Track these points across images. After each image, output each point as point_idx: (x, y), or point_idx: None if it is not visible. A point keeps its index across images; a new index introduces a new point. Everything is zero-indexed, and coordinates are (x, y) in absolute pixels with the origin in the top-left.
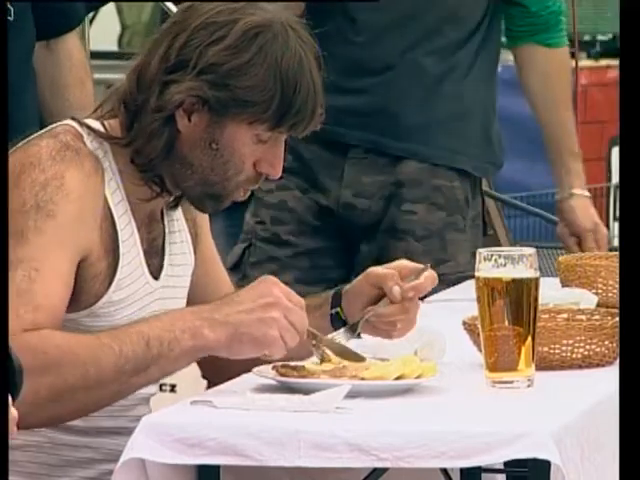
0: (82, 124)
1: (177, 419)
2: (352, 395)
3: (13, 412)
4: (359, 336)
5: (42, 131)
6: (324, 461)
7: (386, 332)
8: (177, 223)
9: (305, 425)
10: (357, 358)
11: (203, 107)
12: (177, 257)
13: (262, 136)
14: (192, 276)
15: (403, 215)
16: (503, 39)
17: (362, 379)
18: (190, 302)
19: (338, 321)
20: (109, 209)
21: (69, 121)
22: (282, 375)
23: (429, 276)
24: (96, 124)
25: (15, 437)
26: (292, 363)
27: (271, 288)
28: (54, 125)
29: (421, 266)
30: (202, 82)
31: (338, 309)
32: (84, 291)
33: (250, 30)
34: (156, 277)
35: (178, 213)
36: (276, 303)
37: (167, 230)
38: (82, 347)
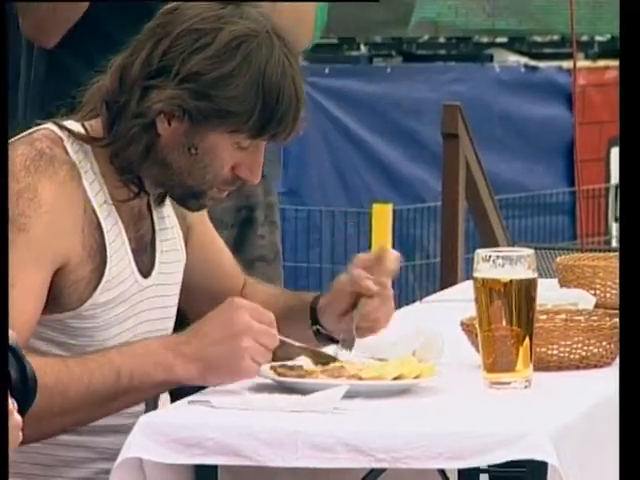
0: (62, 127)
1: (175, 419)
2: (350, 395)
3: (17, 419)
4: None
5: (22, 134)
6: (322, 461)
7: (370, 329)
8: (168, 220)
9: (303, 425)
10: (330, 359)
11: (184, 115)
12: (168, 254)
13: (242, 143)
14: (186, 270)
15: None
16: None
17: (360, 379)
18: (192, 292)
19: (322, 336)
20: (93, 212)
21: (49, 125)
22: (280, 375)
23: (390, 258)
24: (76, 126)
25: (18, 443)
26: (290, 363)
27: (237, 315)
28: (34, 129)
29: (377, 251)
30: (184, 91)
31: (318, 327)
32: (65, 295)
33: (234, 39)
34: (146, 275)
35: (169, 209)
36: (245, 330)
37: (157, 227)
38: (51, 375)
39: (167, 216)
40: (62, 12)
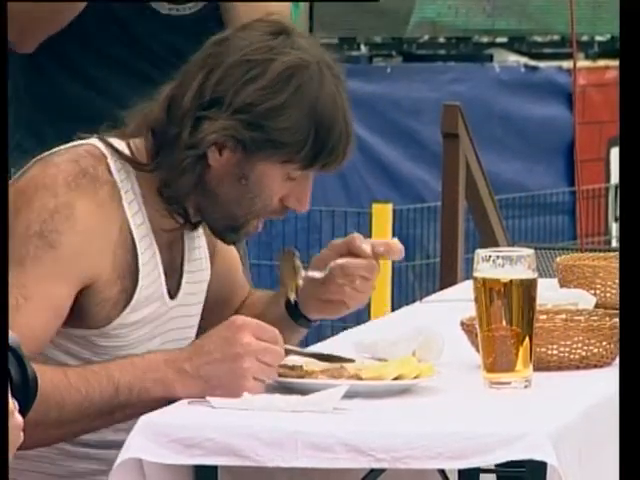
0: (107, 144)
1: (174, 419)
2: (350, 395)
3: (18, 419)
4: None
5: (67, 146)
6: (322, 461)
7: (339, 289)
8: (197, 240)
9: (303, 425)
10: (340, 361)
11: (236, 145)
12: (195, 274)
13: (292, 174)
14: (210, 282)
15: None
16: None
17: (360, 379)
18: (207, 302)
19: (290, 304)
20: (130, 232)
21: (95, 140)
22: (280, 375)
23: (396, 241)
24: (121, 145)
25: (19, 444)
26: (290, 363)
27: (239, 335)
28: (79, 143)
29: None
30: (237, 121)
31: (293, 298)
32: (92, 314)
33: (286, 70)
34: (172, 296)
35: (199, 229)
36: (246, 352)
37: (187, 248)
38: (49, 386)
39: (197, 236)
40: (42, 21)
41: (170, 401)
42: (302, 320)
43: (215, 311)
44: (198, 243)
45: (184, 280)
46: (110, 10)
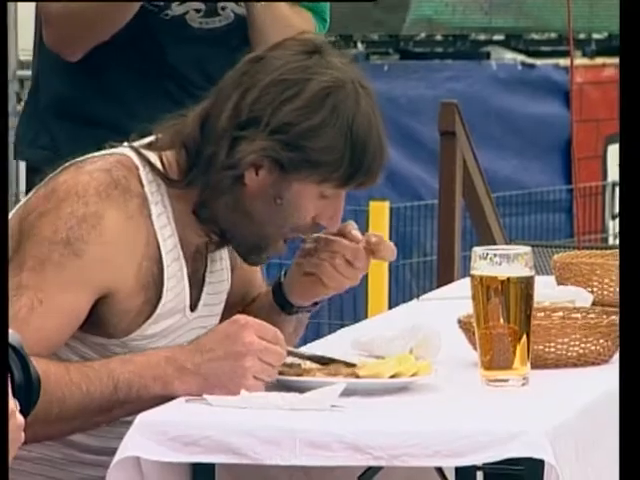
0: (140, 155)
1: (172, 417)
2: (347, 393)
3: (20, 419)
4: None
5: (99, 153)
6: (319, 459)
7: (319, 263)
8: (219, 252)
9: (300, 423)
10: (342, 363)
11: (274, 165)
12: (215, 285)
13: (326, 192)
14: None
15: None
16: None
17: (357, 377)
18: (227, 305)
19: (279, 293)
20: (157, 245)
21: (127, 150)
22: (278, 373)
23: (390, 244)
24: (154, 157)
25: (20, 443)
26: (288, 361)
27: (241, 333)
28: (111, 151)
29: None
30: (275, 142)
31: (281, 275)
32: (112, 324)
33: (323, 90)
34: (193, 308)
35: None
36: (248, 351)
37: (209, 259)
38: (51, 383)
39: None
40: (100, 29)
41: (169, 398)
42: (287, 306)
43: (232, 313)
44: (220, 255)
45: (205, 291)
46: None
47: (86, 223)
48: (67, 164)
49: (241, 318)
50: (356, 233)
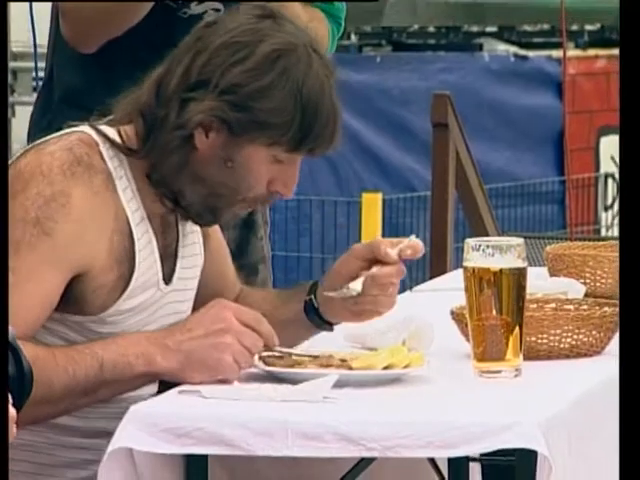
0: (99, 132)
1: (165, 409)
2: (340, 385)
3: (12, 412)
4: (358, 294)
5: (58, 134)
6: (312, 451)
7: (375, 300)
8: (189, 225)
9: (293, 415)
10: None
11: (222, 126)
12: (189, 259)
13: (279, 156)
14: (200, 274)
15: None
16: None
17: (350, 369)
18: (196, 299)
19: (312, 309)
20: (126, 219)
21: (86, 128)
22: (270, 365)
23: (419, 242)
24: (112, 132)
25: (13, 437)
26: (279, 353)
27: (222, 312)
28: (70, 130)
29: (401, 239)
30: (223, 102)
31: (312, 296)
32: (88, 301)
33: (273, 52)
34: (167, 281)
35: None
36: (228, 328)
37: (181, 233)
38: (37, 367)
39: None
40: (114, 24)
41: (152, 378)
42: (324, 325)
43: (198, 307)
44: (191, 228)
45: (178, 265)
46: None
47: (55, 202)
48: (28, 147)
49: (222, 300)
50: (391, 253)
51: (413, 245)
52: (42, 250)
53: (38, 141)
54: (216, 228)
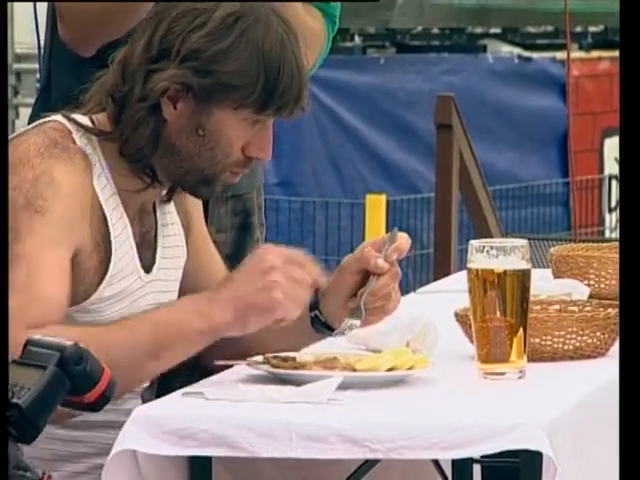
0: (70, 120)
1: (169, 411)
2: (344, 387)
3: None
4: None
5: (30, 126)
6: (316, 452)
7: (382, 309)
8: (169, 216)
9: (297, 416)
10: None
11: (188, 94)
12: (169, 250)
13: (249, 120)
14: (184, 268)
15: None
16: None
17: (354, 370)
18: (181, 294)
19: (319, 323)
20: (100, 205)
21: (58, 117)
22: (274, 367)
23: (402, 236)
24: (84, 119)
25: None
26: (283, 354)
27: (265, 255)
28: (42, 121)
29: (387, 235)
30: (185, 69)
31: (316, 312)
32: (74, 289)
33: (231, 15)
34: (148, 270)
35: (170, 206)
36: (272, 267)
37: (159, 223)
38: (92, 341)
39: (169, 212)
40: (114, 25)
41: (210, 337)
42: (327, 331)
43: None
44: (170, 219)
45: (158, 255)
46: None
47: (39, 182)
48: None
49: (262, 246)
50: (381, 264)
51: (398, 247)
52: (41, 229)
53: (11, 135)
54: (201, 226)
